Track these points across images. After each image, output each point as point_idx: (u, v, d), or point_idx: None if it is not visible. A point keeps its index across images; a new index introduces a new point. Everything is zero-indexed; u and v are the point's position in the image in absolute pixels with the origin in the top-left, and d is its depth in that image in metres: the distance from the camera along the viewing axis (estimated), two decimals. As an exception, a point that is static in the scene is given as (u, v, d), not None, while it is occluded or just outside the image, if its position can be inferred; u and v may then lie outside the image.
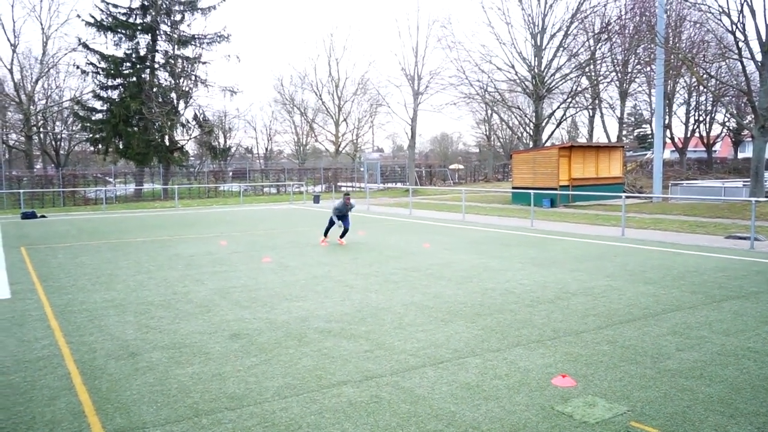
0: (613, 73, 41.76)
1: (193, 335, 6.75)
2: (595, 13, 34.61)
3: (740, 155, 62.69)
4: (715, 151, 62.77)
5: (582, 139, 57.48)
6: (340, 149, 50.00)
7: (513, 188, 28.77)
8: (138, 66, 37.92)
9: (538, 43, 34.27)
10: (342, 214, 14.46)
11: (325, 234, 14.93)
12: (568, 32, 34.31)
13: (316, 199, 31.54)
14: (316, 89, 48.96)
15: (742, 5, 22.70)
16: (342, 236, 14.73)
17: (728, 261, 11.43)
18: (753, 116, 25.62)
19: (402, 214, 23.03)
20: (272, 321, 7.33)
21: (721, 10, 23.53)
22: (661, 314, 7.43)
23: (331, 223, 14.61)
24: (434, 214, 23.52)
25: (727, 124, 55.46)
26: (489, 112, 54.95)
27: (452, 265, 11.23)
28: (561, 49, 34.84)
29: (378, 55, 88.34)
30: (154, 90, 37.01)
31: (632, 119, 66.43)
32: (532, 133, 36.46)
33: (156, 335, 6.78)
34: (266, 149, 62.80)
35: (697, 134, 55.64)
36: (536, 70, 34.32)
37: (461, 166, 58.73)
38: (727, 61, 31.07)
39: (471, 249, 13.37)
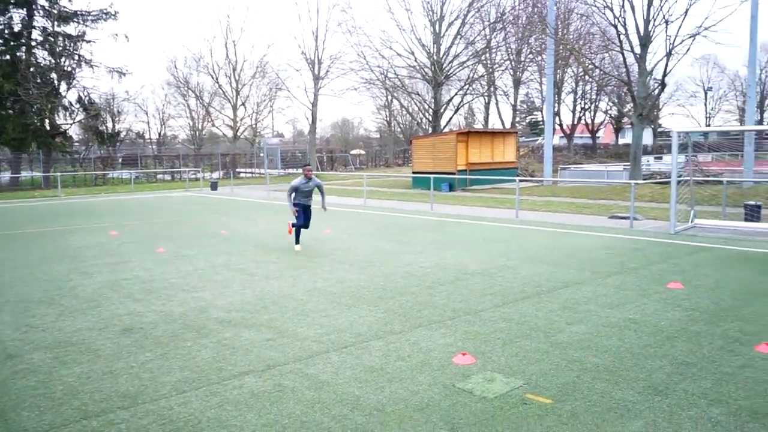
0: (508, 62, 43.41)
1: (80, 332, 6.32)
2: (491, 2, 35.74)
3: (621, 141, 67.36)
4: (599, 137, 67.03)
5: (478, 125, 59.43)
6: (239, 134, 48.64)
7: (413, 173, 29.26)
8: (12, 43, 34.79)
9: (437, 31, 34.90)
10: (303, 198, 11.14)
11: (297, 240, 11.35)
12: (466, 21, 35.19)
13: (214, 185, 30.52)
14: (212, 72, 47.15)
15: (623, 1, 24.25)
16: (297, 240, 11.35)
17: (611, 239, 12.24)
18: (632, 105, 27.51)
19: (304, 200, 22.79)
20: (168, 313, 7.01)
21: (604, 5, 25.01)
22: (552, 291, 7.83)
23: (300, 219, 11.19)
24: (336, 199, 23.46)
25: (609, 112, 59.35)
26: (389, 97, 55.46)
27: (354, 249, 11.24)
28: (458, 36, 35.71)
29: (277, 38, 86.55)
30: (32, 70, 34.15)
31: (525, 106, 69.47)
32: (431, 119, 37.21)
33: (38, 334, 6.28)
34: (159, 134, 59.98)
35: (583, 121, 59.13)
36: (435, 57, 34.97)
37: (362, 152, 58.98)
38: (609, 52, 33.13)
39: (373, 233, 13.46)
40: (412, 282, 8.45)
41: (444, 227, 14.50)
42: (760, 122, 59.14)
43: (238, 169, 43.75)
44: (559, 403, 4.37)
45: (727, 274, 8.73)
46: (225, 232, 13.93)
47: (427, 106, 38.91)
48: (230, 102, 47.54)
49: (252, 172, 44.25)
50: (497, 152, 29.44)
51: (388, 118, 65.34)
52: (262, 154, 44.46)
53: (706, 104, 74.55)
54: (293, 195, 11.14)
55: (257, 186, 32.62)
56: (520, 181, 18.18)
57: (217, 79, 46.91)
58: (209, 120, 51.84)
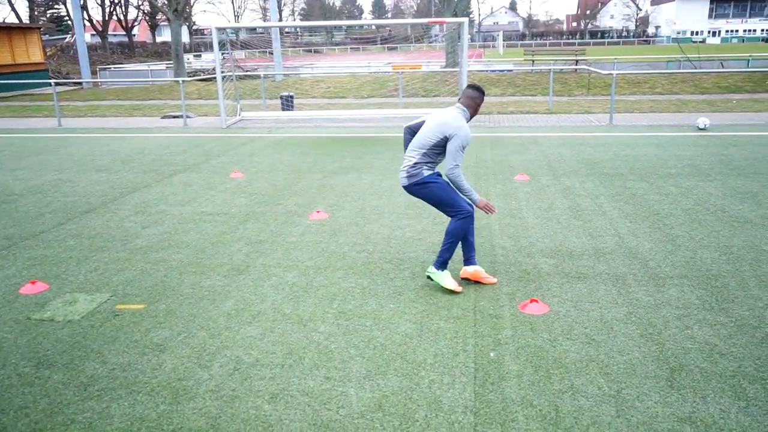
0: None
1: None
2: None
3: (159, 39, 65.84)
4: (135, 35, 63.99)
5: (-14, 20, 49.31)
6: None
7: None
8: None
9: None
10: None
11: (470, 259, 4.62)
12: None
13: None
14: None
15: None
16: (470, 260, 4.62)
17: (168, 139, 12.19)
18: (166, 0, 26.88)
19: None
20: None
21: None
22: (120, 198, 7.45)
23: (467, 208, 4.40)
24: None
25: (142, 7, 56.74)
26: None
27: None
28: None
29: None
30: None
31: (43, -2, 60.71)
32: None
33: None
34: None
35: (115, 17, 55.20)
36: None
37: None
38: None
39: None
40: (-61, 215, 6.84)
41: (-33, 145, 11.97)
42: (280, 20, 65.71)
43: None
44: (153, 305, 4.33)
45: (277, 159, 9.80)
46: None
47: None
48: None
49: None
50: (19, 53, 25.25)
51: None
52: None
53: (233, 2, 78.46)
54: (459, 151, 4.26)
55: None
56: (56, 84, 16.13)
57: None
58: None
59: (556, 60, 27.41)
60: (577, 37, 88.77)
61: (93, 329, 3.98)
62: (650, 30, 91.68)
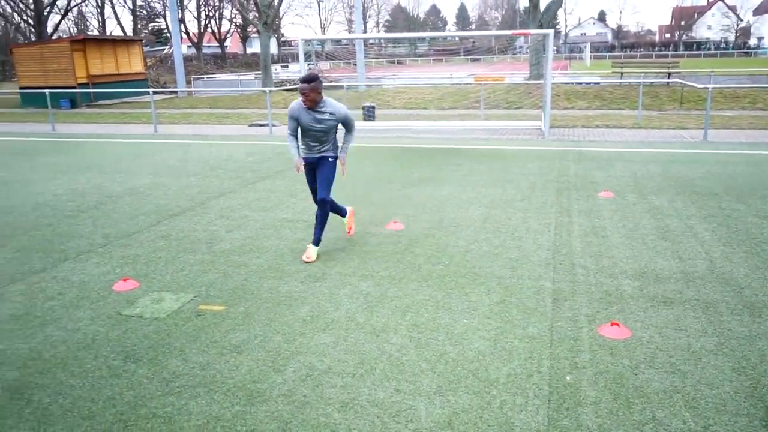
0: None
1: None
2: None
3: (249, 50, 68.57)
4: (227, 46, 67.00)
5: (94, 33, 53.16)
6: None
7: (21, 89, 24.91)
8: None
9: None
10: (308, 143, 5.58)
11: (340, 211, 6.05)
12: None
13: None
14: None
15: None
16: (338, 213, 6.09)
17: (255, 146, 12.64)
18: (257, 13, 27.96)
19: None
20: None
21: None
22: (206, 202, 7.79)
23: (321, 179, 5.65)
24: None
25: (234, 20, 59.41)
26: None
27: (-41, 184, 9.21)
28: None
29: None
30: None
31: (145, 12, 64.65)
32: (33, 24, 31.70)
33: None
34: None
35: (210, 30, 58.06)
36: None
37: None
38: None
39: (-19, 163, 11.18)
40: (47, 213, 7.39)
41: (73, 149, 12.89)
42: (365, 32, 66.82)
43: None
44: (233, 308, 4.48)
45: (357, 168, 9.92)
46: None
47: (24, 8, 32.88)
48: None
49: None
50: (122, 63, 26.97)
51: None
52: None
53: (320, 15, 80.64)
54: (293, 134, 5.57)
55: None
56: (154, 93, 17.12)
57: None
58: None
59: (647, 72, 26.34)
60: (671, 48, 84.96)
61: (177, 327, 4.16)
62: (752, 41, 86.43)
